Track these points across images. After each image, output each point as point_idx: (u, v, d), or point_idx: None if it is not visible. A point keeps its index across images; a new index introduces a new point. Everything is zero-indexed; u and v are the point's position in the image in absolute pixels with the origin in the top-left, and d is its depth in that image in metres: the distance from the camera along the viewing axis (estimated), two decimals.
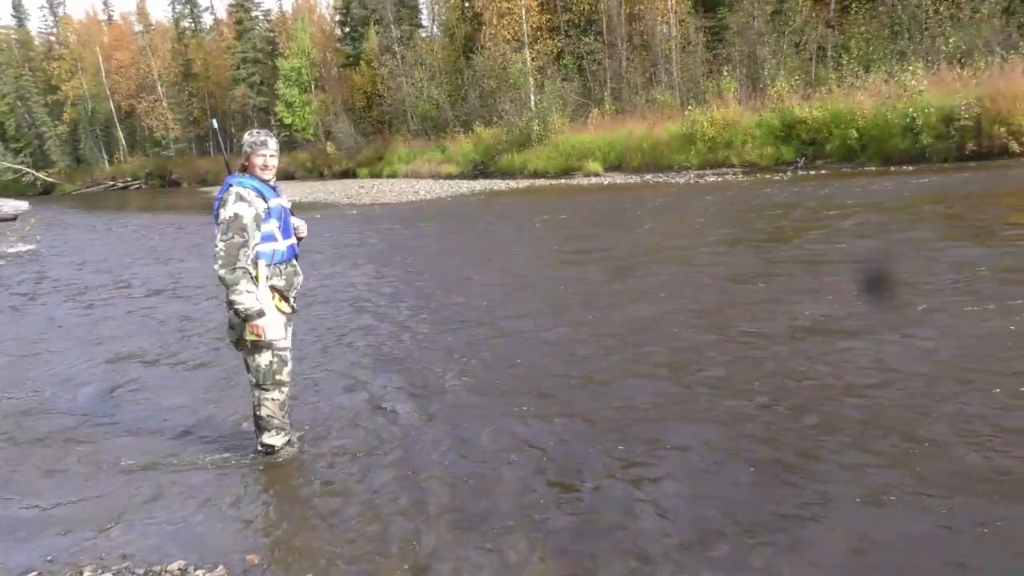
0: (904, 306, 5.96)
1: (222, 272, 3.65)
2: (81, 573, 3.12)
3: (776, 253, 8.85)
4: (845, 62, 23.29)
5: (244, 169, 3.90)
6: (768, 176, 18.96)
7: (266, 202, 3.81)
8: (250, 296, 3.73)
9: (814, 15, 29.45)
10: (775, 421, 4.06)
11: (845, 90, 20.95)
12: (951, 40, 21.85)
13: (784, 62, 26.70)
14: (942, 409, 3.97)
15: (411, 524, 3.31)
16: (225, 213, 3.69)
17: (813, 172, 18.72)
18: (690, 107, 24.33)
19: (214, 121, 4.94)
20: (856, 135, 18.87)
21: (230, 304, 3.81)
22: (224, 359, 6.25)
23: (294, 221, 4.10)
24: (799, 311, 6.09)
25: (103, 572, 3.11)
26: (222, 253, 3.64)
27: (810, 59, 28.48)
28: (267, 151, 3.86)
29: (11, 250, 16.09)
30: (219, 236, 3.67)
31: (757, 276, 7.61)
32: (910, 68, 19.17)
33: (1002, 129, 15.95)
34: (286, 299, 3.99)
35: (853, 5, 27.82)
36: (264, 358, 3.95)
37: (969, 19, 23.39)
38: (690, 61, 30.30)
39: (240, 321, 3.84)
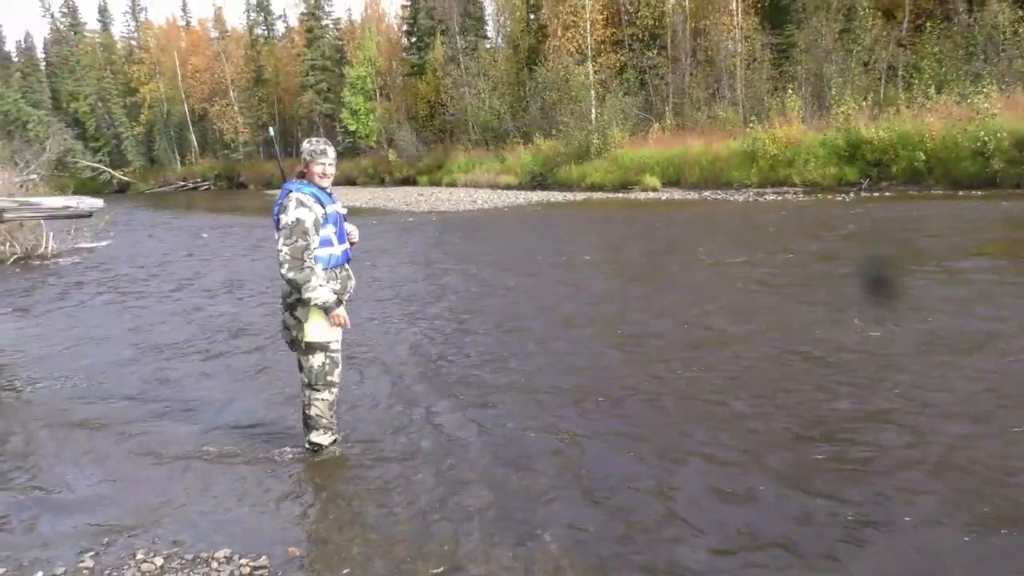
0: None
1: (291, 274, 3.83)
2: (135, 555, 3.31)
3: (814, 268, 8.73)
4: (916, 82, 22.71)
5: (302, 176, 4.06)
6: (830, 196, 18.62)
7: (324, 208, 3.97)
8: (323, 289, 3.92)
9: (885, 33, 28.78)
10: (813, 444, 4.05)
11: (914, 111, 20.42)
12: None
13: (852, 81, 26.14)
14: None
15: (448, 526, 3.42)
16: (287, 218, 3.84)
17: (877, 193, 18.32)
18: (752, 124, 24.04)
19: (271, 129, 5.14)
20: (923, 157, 18.39)
21: (295, 306, 4.00)
22: (274, 358, 6.48)
23: (347, 227, 4.25)
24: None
25: (155, 556, 3.29)
26: (288, 256, 3.81)
27: (879, 78, 27.83)
28: (326, 160, 4.03)
29: (85, 245, 16.84)
30: (282, 241, 3.83)
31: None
32: (984, 90, 18.61)
33: None
34: (340, 302, 4.13)
35: (928, 24, 27.08)
36: (317, 359, 4.10)
37: None
38: (755, 78, 29.89)
39: (296, 322, 4.03)
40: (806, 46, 28.84)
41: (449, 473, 4.00)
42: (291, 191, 3.94)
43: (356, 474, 4.13)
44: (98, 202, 8.35)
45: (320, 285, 3.91)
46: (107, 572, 3.18)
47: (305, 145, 4.09)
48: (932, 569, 2.90)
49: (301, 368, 4.17)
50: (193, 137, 59.87)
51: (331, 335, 4.08)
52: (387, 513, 3.62)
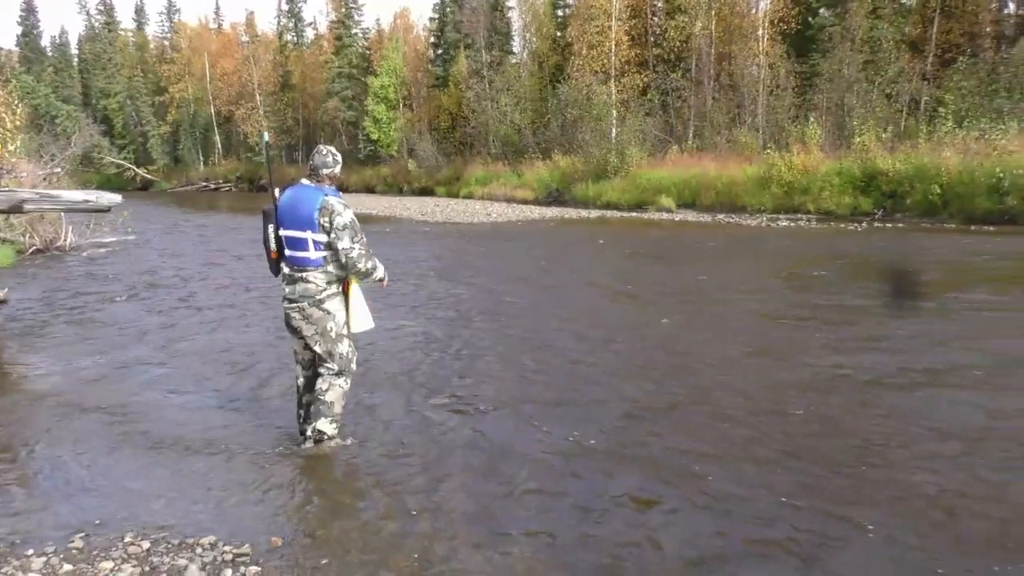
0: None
1: (368, 266, 4.34)
2: (123, 538, 3.45)
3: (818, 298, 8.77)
4: (939, 116, 22.66)
5: (319, 180, 4.35)
6: (843, 225, 18.60)
7: None
8: (382, 267, 4.49)
9: (910, 67, 28.78)
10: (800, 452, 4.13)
11: (932, 145, 20.40)
12: None
13: (873, 112, 26.13)
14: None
15: (427, 525, 3.54)
16: (343, 220, 4.21)
17: (890, 225, 18.27)
18: (769, 149, 24.07)
19: (264, 134, 5.29)
20: (939, 191, 18.35)
21: (324, 300, 4.31)
22: (274, 353, 6.64)
23: None
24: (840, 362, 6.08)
25: (142, 539, 3.42)
26: (362, 252, 4.29)
27: (901, 111, 27.80)
28: (340, 168, 4.45)
29: (104, 239, 17.15)
30: (348, 240, 4.22)
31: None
32: (1002, 127, 18.56)
33: None
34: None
35: (959, 59, 27.00)
36: (345, 345, 4.42)
37: None
38: (777, 104, 29.92)
39: (325, 314, 4.31)
40: (830, 76, 28.88)
41: (433, 474, 4.12)
42: (327, 195, 4.24)
43: (343, 470, 4.28)
44: (116, 197, 8.51)
45: (380, 265, 4.47)
46: (95, 553, 3.32)
47: (328, 156, 4.37)
48: None
49: (326, 359, 4.39)
50: (218, 139, 60.55)
51: (368, 325, 4.49)
52: (369, 509, 3.76)
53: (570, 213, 25.63)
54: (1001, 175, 16.99)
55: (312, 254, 4.24)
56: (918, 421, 4.72)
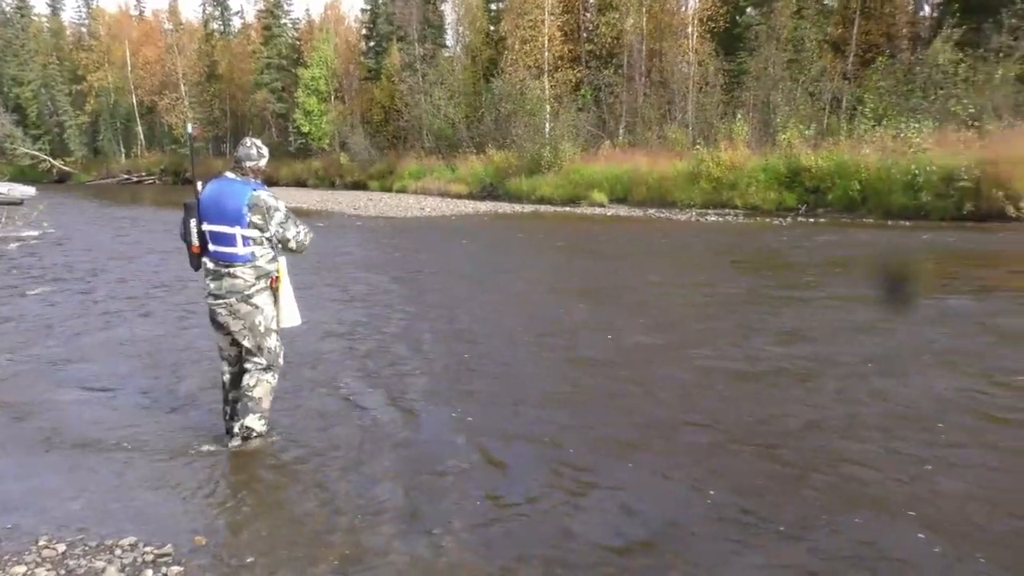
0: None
1: (309, 239, 4.37)
2: (37, 541, 3.31)
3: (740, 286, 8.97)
4: (858, 114, 23.45)
5: (243, 173, 4.25)
6: (769, 220, 19.11)
7: None
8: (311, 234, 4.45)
9: (832, 66, 29.74)
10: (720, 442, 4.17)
11: (853, 142, 21.09)
12: (964, 101, 22.00)
13: (797, 110, 26.89)
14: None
15: (356, 520, 3.51)
16: (281, 213, 4.22)
17: (813, 220, 18.84)
18: (698, 145, 24.52)
19: (189, 125, 5.12)
20: (858, 187, 19.00)
21: (252, 295, 4.23)
22: (198, 349, 6.47)
23: None
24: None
25: (58, 542, 3.30)
26: (303, 231, 4.31)
27: (823, 109, 28.70)
28: (266, 161, 4.35)
29: (18, 233, 16.37)
30: (293, 228, 4.26)
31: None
32: (917, 125, 19.31)
33: (1000, 193, 16.06)
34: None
35: (878, 59, 28.03)
36: (273, 340, 4.35)
37: (984, 82, 23.57)
38: (706, 101, 30.52)
39: (253, 309, 4.23)
40: (756, 74, 29.62)
41: (364, 469, 4.08)
42: (254, 190, 4.17)
43: (271, 466, 4.20)
44: (30, 190, 8.19)
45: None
46: (7, 557, 3.18)
47: (252, 148, 4.27)
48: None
49: (252, 354, 4.31)
50: (140, 130, 58.55)
51: (297, 320, 4.45)
52: (297, 505, 3.70)
53: (504, 207, 25.66)
54: (916, 172, 17.68)
55: (240, 250, 4.14)
56: (802, 404, 4.88)
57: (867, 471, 3.90)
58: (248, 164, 4.22)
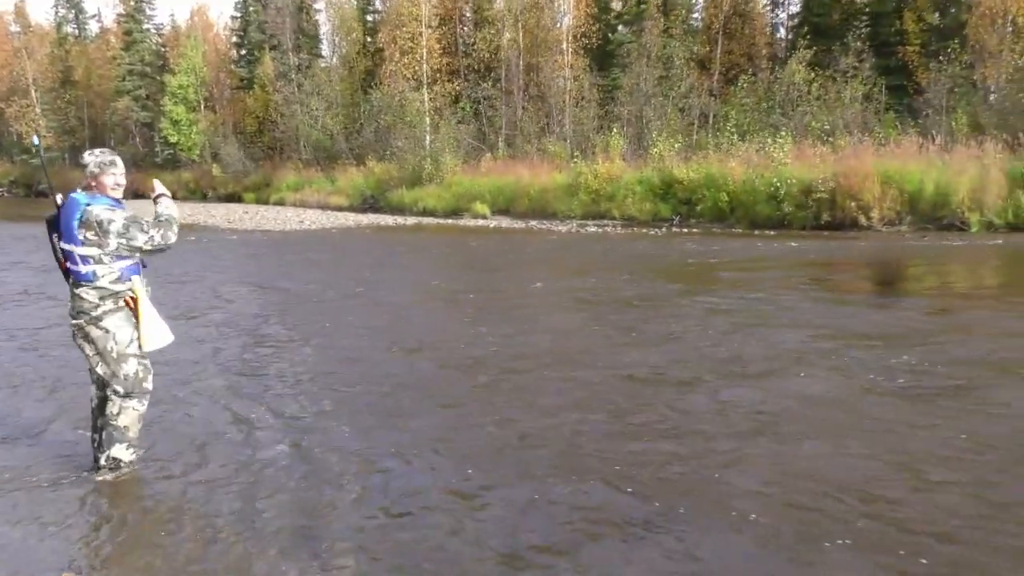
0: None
1: (171, 240, 4.09)
2: None
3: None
4: (724, 129, 24.77)
5: (89, 188, 3.95)
6: (645, 231, 19.81)
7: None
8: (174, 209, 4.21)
9: (699, 83, 31.31)
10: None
11: (721, 155, 22.24)
12: (818, 118, 23.72)
13: (668, 124, 28.08)
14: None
15: (242, 546, 3.34)
16: (117, 225, 3.87)
17: (686, 230, 19.68)
18: (576, 158, 25.15)
19: (35, 137, 4.84)
20: (727, 198, 20.04)
21: (102, 317, 3.94)
22: (60, 373, 6.06)
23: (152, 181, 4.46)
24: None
25: None
26: (157, 233, 3.99)
27: (692, 124, 30.12)
28: (117, 171, 4.00)
29: None
30: (140, 234, 3.93)
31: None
32: (779, 141, 20.60)
33: (852, 203, 17.38)
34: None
35: (741, 77, 29.78)
36: (131, 366, 4.04)
37: (835, 101, 25.48)
38: (583, 115, 31.36)
39: (104, 333, 3.95)
40: (629, 89, 30.74)
41: (245, 493, 3.89)
42: (87, 205, 3.85)
43: (148, 494, 3.95)
44: None
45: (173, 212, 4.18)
46: None
47: (90, 157, 3.98)
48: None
49: (105, 382, 4.04)
50: None
51: (165, 340, 4.14)
52: (177, 533, 3.49)
53: (386, 220, 25.40)
54: (778, 184, 18.85)
55: (82, 268, 3.88)
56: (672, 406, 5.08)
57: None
58: (88, 177, 3.95)
